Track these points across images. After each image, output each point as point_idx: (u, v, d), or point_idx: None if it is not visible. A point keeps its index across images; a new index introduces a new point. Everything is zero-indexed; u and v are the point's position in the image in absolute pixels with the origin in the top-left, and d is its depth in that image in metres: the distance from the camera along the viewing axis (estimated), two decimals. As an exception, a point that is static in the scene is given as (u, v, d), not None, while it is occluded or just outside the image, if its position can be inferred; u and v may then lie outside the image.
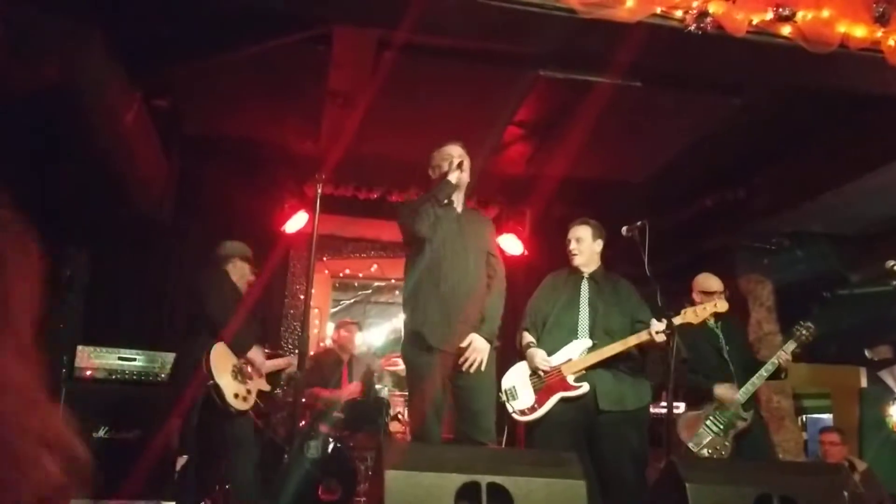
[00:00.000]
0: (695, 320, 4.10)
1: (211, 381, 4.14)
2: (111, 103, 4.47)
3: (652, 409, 5.92)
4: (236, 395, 4.28)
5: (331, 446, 5.22)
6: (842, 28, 3.73)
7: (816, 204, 6.10)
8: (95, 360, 5.16)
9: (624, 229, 4.11)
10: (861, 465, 6.07)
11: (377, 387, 6.47)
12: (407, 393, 4.05)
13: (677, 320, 3.95)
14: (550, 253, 4.43)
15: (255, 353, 4.55)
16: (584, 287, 4.23)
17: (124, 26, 4.07)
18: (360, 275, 8.79)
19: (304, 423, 5.50)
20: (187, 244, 6.51)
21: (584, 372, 3.99)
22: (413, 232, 3.73)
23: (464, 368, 3.63)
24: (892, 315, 5.27)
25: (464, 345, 3.66)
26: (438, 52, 4.59)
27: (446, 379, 3.70)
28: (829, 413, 9.01)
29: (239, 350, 4.42)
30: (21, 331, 0.78)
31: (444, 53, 4.61)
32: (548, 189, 6.33)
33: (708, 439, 4.52)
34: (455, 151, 3.88)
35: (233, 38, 4.28)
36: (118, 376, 5.19)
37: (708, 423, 4.56)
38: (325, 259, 8.01)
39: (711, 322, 4.70)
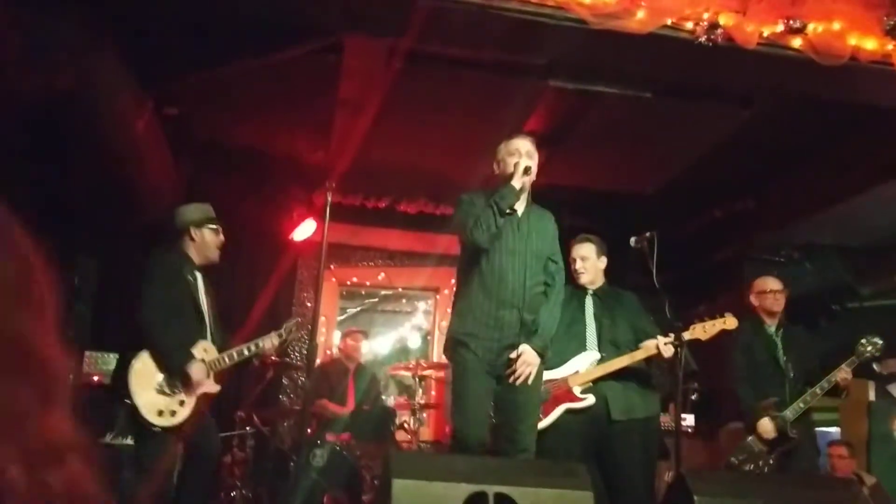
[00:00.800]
0: (703, 336, 4.07)
1: (128, 400, 3.59)
2: (122, 111, 4.50)
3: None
4: (160, 413, 3.63)
5: (337, 455, 5.21)
6: (852, 40, 3.74)
7: (826, 216, 6.09)
8: (103, 366, 5.17)
9: (633, 240, 4.09)
10: (870, 480, 6.01)
11: (383, 396, 6.45)
12: (452, 398, 3.77)
13: (686, 335, 3.93)
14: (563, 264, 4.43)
15: (194, 366, 3.71)
16: (589, 303, 4.23)
17: (136, 35, 4.10)
18: (368, 283, 8.79)
19: (310, 431, 5.50)
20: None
21: (590, 384, 3.99)
22: (471, 241, 3.45)
23: (510, 380, 3.40)
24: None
25: (513, 355, 3.41)
26: (448, 61, 4.61)
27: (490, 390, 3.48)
28: (837, 427, 8.95)
29: (171, 367, 3.69)
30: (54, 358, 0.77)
31: (454, 63, 4.63)
32: (557, 200, 6.32)
33: (751, 453, 4.43)
34: (524, 147, 3.56)
35: (244, 48, 4.31)
36: (126, 383, 5.18)
37: (753, 436, 4.47)
38: (332, 267, 8.00)
39: (771, 329, 4.67)
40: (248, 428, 5.55)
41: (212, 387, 3.84)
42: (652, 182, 6.49)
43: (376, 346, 8.97)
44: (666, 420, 5.92)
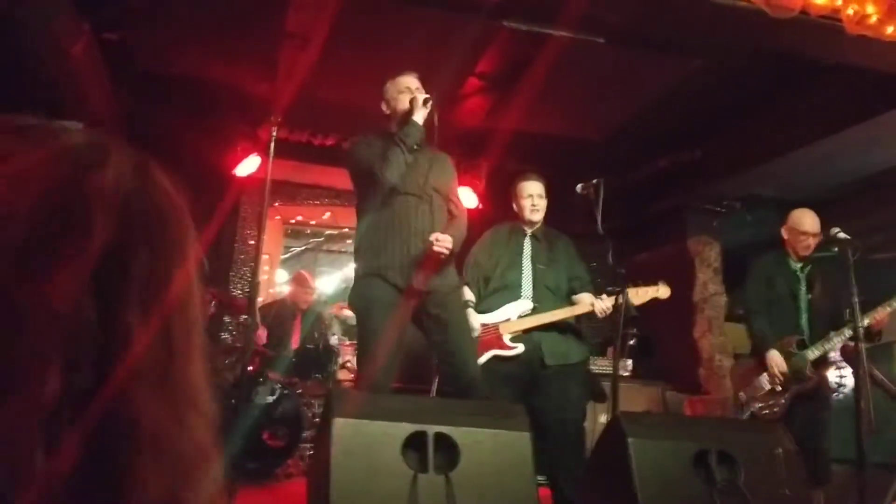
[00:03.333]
0: (636, 301, 4.05)
1: None
2: (57, 33, 4.29)
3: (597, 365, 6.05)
4: None
5: (278, 393, 5.21)
6: (804, -6, 3.75)
7: (767, 169, 6.21)
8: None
9: (579, 187, 4.11)
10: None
11: (327, 335, 6.45)
12: (357, 341, 3.81)
13: (613, 300, 3.90)
14: (505, 207, 4.41)
15: None
16: (527, 245, 4.21)
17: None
18: (313, 222, 8.71)
19: (252, 369, 5.47)
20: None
21: (520, 333, 3.99)
22: (382, 179, 3.43)
23: (434, 247, 3.38)
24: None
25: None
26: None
27: (414, 317, 3.51)
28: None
29: None
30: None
31: (405, -1, 4.52)
32: (505, 143, 6.30)
33: (762, 392, 4.29)
34: (413, 83, 3.64)
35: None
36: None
37: (765, 374, 4.33)
38: (277, 205, 7.89)
39: (797, 265, 4.45)
40: (188, 364, 5.49)
41: None
42: (599, 129, 6.50)
43: (321, 286, 8.94)
44: (604, 363, 6.07)
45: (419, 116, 3.49)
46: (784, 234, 4.55)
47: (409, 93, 3.59)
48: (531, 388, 3.95)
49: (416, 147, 3.51)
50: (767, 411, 4.27)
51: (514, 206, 4.29)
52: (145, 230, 0.61)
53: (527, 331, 3.98)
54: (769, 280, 4.50)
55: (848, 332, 4.06)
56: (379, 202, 3.52)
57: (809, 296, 4.40)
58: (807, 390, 4.25)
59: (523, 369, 3.97)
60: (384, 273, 3.45)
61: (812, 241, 4.42)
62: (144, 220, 0.61)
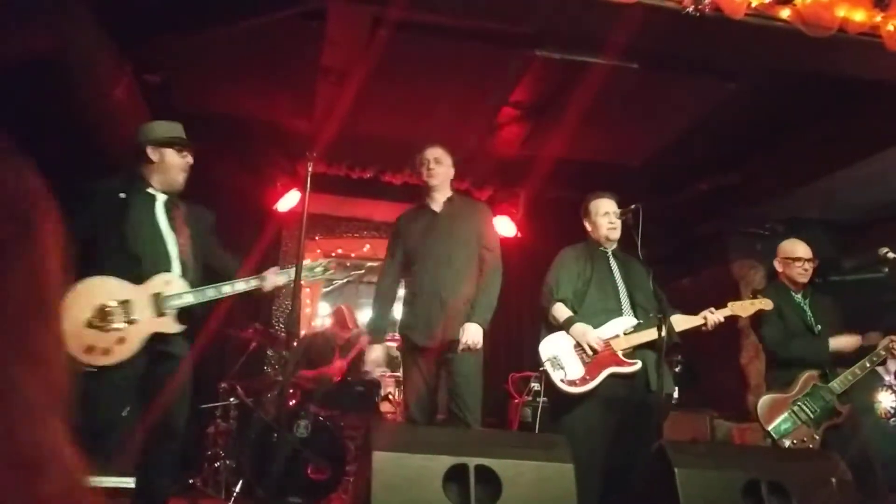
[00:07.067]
0: (742, 314, 4.10)
1: None
2: (101, 76, 4.41)
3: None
4: (90, 349, 3.05)
5: (320, 426, 5.21)
6: (841, 12, 3.70)
7: (811, 190, 6.09)
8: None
9: (618, 213, 4.09)
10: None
11: (367, 368, 6.46)
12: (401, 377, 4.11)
13: (725, 312, 3.98)
14: (545, 235, 4.39)
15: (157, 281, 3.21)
16: (613, 264, 4.14)
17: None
18: (353, 254, 8.76)
19: (293, 402, 5.49)
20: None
21: (632, 350, 3.88)
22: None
23: (460, 350, 3.79)
24: (883, 302, 5.26)
25: (461, 337, 3.82)
26: (434, 30, 4.53)
27: (438, 369, 3.94)
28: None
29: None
30: (49, 328, 0.69)
31: (439, 32, 4.56)
32: (542, 171, 6.29)
33: (793, 427, 4.19)
34: (431, 154, 4.11)
35: (226, 11, 4.22)
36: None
37: (795, 409, 4.22)
38: (317, 238, 7.97)
39: (798, 296, 4.47)
40: (231, 399, 5.54)
41: (170, 325, 3.32)
42: (638, 154, 6.46)
43: (362, 317, 8.95)
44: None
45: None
46: (778, 266, 4.58)
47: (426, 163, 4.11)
48: (634, 413, 3.81)
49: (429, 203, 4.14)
50: (801, 446, 4.16)
51: (588, 225, 4.23)
52: None
53: (637, 348, 3.88)
54: (779, 314, 4.42)
55: (874, 359, 4.17)
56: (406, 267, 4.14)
57: (819, 326, 4.38)
58: (837, 423, 4.21)
59: (631, 391, 3.85)
60: (406, 333, 4.03)
61: (808, 266, 4.47)
62: None
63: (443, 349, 3.90)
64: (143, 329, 3.21)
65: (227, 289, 3.47)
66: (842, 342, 4.31)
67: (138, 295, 3.23)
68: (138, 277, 3.26)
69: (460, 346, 3.79)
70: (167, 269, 3.35)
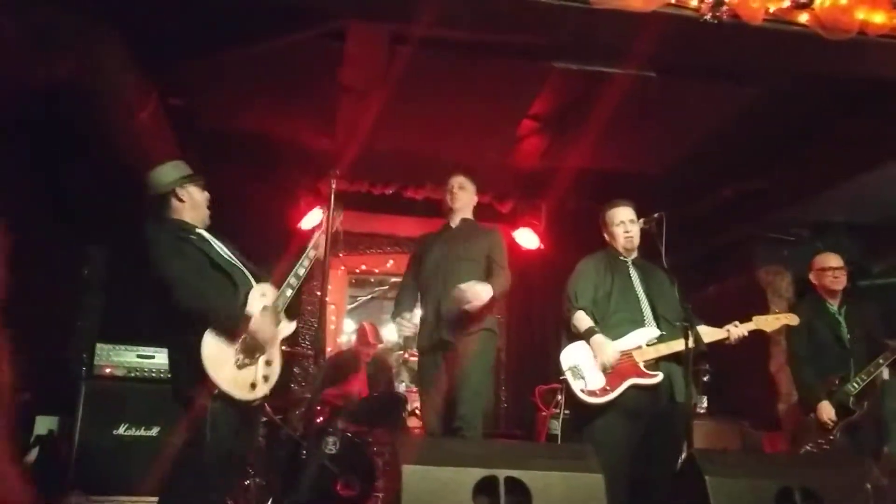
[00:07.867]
0: (767, 328, 4.05)
1: (216, 391, 3.11)
2: (127, 100, 4.49)
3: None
4: (253, 385, 3.26)
5: (348, 442, 5.22)
6: (860, 14, 3.68)
7: (836, 193, 6.02)
8: (114, 357, 5.18)
9: (640, 221, 4.07)
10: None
11: (394, 383, 6.47)
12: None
13: (751, 326, 3.95)
14: (568, 246, 4.38)
15: (257, 322, 3.29)
16: (634, 273, 4.09)
17: (140, 23, 4.08)
18: (377, 270, 8.80)
19: (321, 419, 5.51)
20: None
21: (654, 361, 3.82)
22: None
23: (466, 306, 3.98)
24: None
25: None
26: (452, 46, 4.56)
27: (448, 372, 4.07)
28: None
29: (230, 328, 3.23)
30: None
31: (457, 47, 4.59)
32: (563, 182, 6.30)
33: (814, 431, 4.37)
34: (456, 182, 4.45)
35: (246, 34, 4.28)
36: (137, 374, 5.20)
37: (814, 414, 4.41)
38: (340, 255, 8.00)
39: (833, 307, 4.60)
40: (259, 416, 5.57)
41: (287, 327, 3.52)
42: (660, 162, 6.44)
43: (387, 334, 8.98)
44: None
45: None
46: (813, 278, 4.74)
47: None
48: (658, 424, 3.77)
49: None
50: (817, 449, 4.33)
51: (606, 235, 4.22)
52: None
53: (659, 359, 3.82)
54: (808, 327, 4.51)
55: (885, 357, 4.34)
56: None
57: (850, 336, 4.51)
58: (854, 422, 4.37)
59: (654, 403, 3.79)
60: (419, 339, 4.35)
61: (840, 274, 4.63)
62: None
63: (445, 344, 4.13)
64: (275, 355, 3.45)
65: (303, 267, 3.65)
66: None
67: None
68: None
69: (455, 292, 3.98)
70: (249, 284, 3.43)
